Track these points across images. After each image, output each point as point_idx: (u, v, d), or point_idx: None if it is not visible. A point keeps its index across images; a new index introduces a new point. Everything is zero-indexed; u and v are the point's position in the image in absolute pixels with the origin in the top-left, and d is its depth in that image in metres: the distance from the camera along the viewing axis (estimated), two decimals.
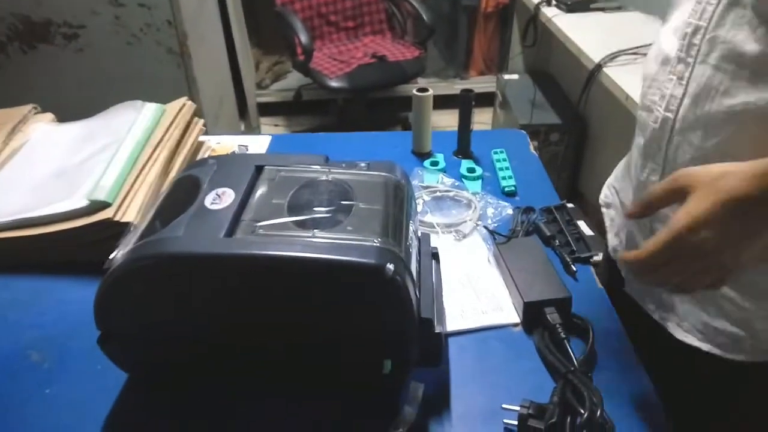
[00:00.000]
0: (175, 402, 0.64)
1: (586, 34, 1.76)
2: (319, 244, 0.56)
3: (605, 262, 0.89)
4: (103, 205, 0.82)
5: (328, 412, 0.62)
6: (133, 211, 0.84)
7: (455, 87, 3.17)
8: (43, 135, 1.05)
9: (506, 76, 2.54)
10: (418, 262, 0.67)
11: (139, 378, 0.66)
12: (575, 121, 2.18)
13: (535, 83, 2.42)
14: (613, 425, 0.58)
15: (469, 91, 1.06)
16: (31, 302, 0.78)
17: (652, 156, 0.69)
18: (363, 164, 0.70)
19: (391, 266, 0.55)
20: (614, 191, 0.86)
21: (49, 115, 1.12)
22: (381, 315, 0.57)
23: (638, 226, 0.76)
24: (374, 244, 0.57)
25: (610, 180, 0.89)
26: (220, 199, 0.63)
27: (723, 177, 0.51)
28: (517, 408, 0.60)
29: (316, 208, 0.62)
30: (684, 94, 0.63)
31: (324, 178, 0.67)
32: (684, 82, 0.63)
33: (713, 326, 0.68)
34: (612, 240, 0.86)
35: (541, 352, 0.69)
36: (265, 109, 3.13)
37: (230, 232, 0.58)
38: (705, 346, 0.69)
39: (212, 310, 0.58)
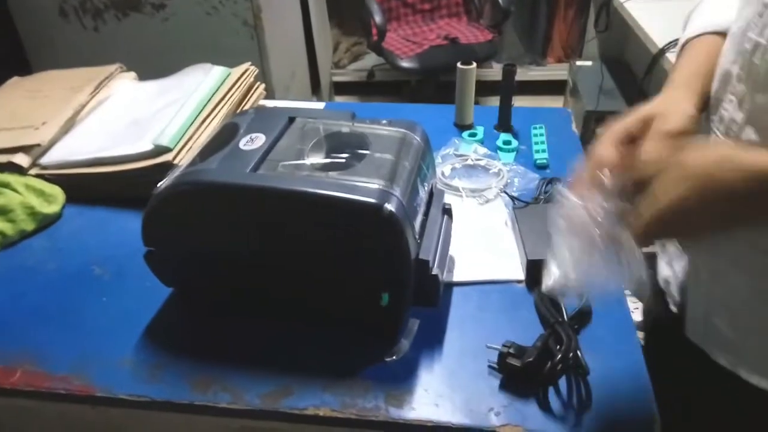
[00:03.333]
0: (205, 316, 0.74)
1: (656, 19, 1.72)
2: (328, 182, 0.64)
3: (652, 293, 0.73)
4: (165, 150, 0.94)
5: (333, 338, 0.70)
6: (189, 157, 0.94)
7: (530, 73, 3.15)
8: (125, 90, 1.19)
9: (578, 63, 2.50)
10: (426, 212, 0.73)
11: (178, 293, 0.76)
12: None
13: (607, 70, 2.37)
14: (586, 369, 0.62)
15: (511, 65, 1.09)
16: (99, 228, 0.91)
17: None
18: (385, 121, 0.77)
19: (389, 206, 0.61)
20: None
21: (132, 74, 1.26)
22: (378, 251, 0.63)
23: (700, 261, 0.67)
24: (378, 186, 0.63)
25: None
26: (253, 142, 0.71)
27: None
28: (500, 347, 0.65)
29: (333, 154, 0.70)
30: (745, 121, 0.55)
31: (346, 130, 0.75)
32: (746, 107, 0.55)
33: None
34: (664, 269, 0.77)
35: (537, 305, 0.73)
36: (341, 88, 3.24)
37: (255, 168, 0.67)
38: None
39: (235, 233, 0.67)
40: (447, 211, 0.78)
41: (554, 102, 2.89)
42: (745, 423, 0.68)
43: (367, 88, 3.29)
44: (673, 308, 0.75)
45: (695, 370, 0.70)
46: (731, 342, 0.65)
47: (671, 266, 0.76)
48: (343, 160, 0.69)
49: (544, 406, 0.61)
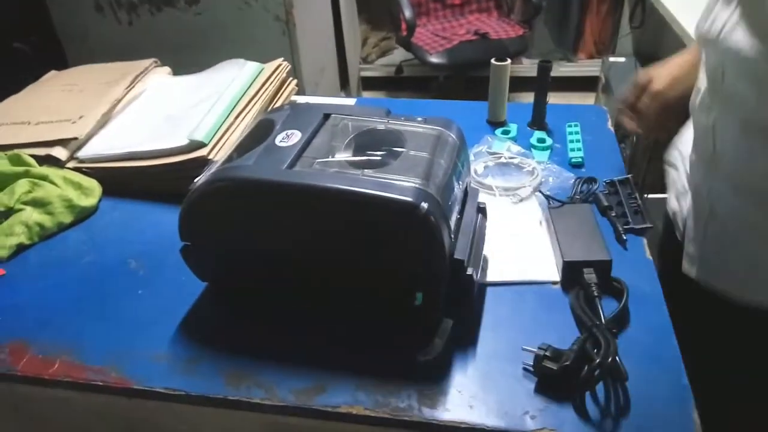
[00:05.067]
0: (239, 312, 0.74)
1: (694, 15, 1.67)
2: (364, 180, 0.63)
3: (664, 224, 0.93)
4: (200, 145, 0.94)
5: (366, 336, 0.70)
6: (224, 152, 0.95)
7: (560, 69, 3.10)
8: (160, 85, 1.20)
9: (611, 59, 2.46)
10: (461, 211, 0.72)
11: (213, 287, 0.77)
12: None
13: (641, 66, 2.32)
14: (626, 375, 0.61)
15: (547, 62, 1.08)
16: (134, 222, 0.92)
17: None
18: (420, 119, 0.76)
19: (425, 205, 0.61)
20: (679, 153, 0.86)
21: (167, 69, 1.28)
22: (413, 249, 0.63)
23: (697, 195, 0.79)
24: (413, 185, 0.63)
25: (676, 139, 0.89)
26: (289, 138, 0.71)
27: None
28: (536, 349, 0.64)
29: (369, 151, 0.70)
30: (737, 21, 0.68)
31: (381, 127, 0.74)
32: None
33: None
34: (672, 202, 0.89)
35: (573, 307, 0.72)
36: (369, 83, 3.24)
37: (292, 165, 0.66)
38: None
39: (271, 229, 0.67)
40: (481, 210, 0.77)
41: (584, 99, 2.84)
42: (733, 342, 0.80)
43: (394, 84, 3.28)
44: (678, 236, 0.89)
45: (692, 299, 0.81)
46: (723, 269, 0.78)
47: (678, 201, 0.88)
48: (379, 158, 0.68)
49: (581, 411, 0.60)
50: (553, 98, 1.11)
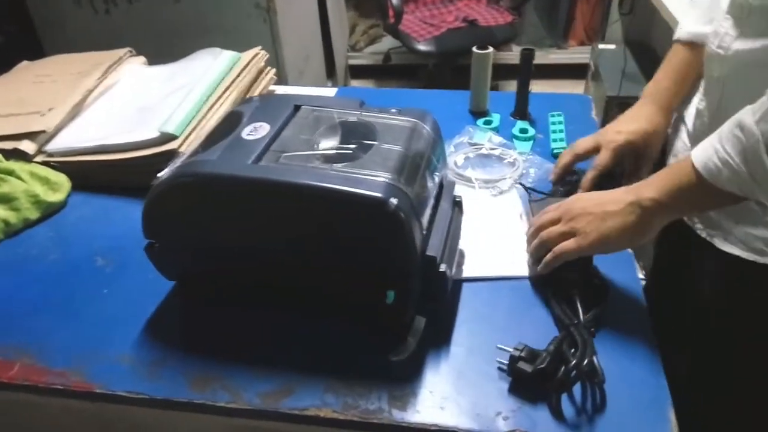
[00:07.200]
0: (206, 312, 0.72)
1: (683, 2, 1.65)
2: (331, 175, 0.61)
3: None
4: (171, 138, 0.92)
5: (337, 336, 0.67)
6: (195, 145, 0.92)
7: (550, 57, 3.07)
8: (133, 75, 1.17)
9: (601, 46, 2.43)
10: (435, 205, 0.70)
11: (180, 286, 0.75)
12: None
13: (630, 54, 2.30)
14: (602, 377, 0.59)
15: (529, 50, 1.05)
16: (104, 217, 0.90)
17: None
18: (394, 110, 0.74)
19: (394, 200, 0.58)
20: (681, 119, 0.86)
21: (141, 59, 1.24)
22: (383, 247, 0.61)
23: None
24: (384, 179, 0.60)
25: (681, 109, 0.88)
26: (256, 131, 0.69)
27: None
28: (511, 349, 0.62)
29: (339, 144, 0.67)
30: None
31: (353, 119, 0.72)
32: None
33: (753, 234, 0.71)
34: (671, 162, 0.87)
35: (550, 304, 0.70)
36: (358, 72, 3.19)
37: (257, 160, 0.64)
38: (745, 255, 0.72)
39: (237, 226, 0.65)
40: (457, 204, 0.75)
41: (575, 86, 2.82)
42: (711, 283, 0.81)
43: (383, 72, 3.24)
44: None
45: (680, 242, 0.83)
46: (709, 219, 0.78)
47: (677, 158, 0.85)
48: (350, 151, 0.66)
49: (556, 412, 0.58)
50: (544, 86, 1.10)
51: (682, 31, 0.87)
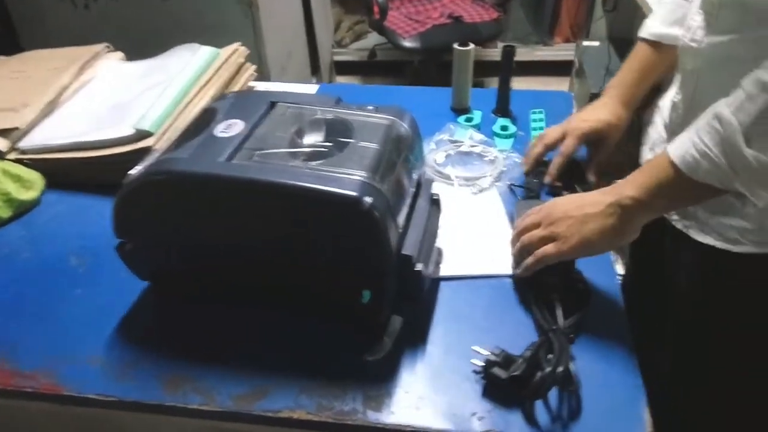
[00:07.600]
0: (180, 313, 0.71)
1: None
2: (305, 173, 0.60)
3: None
4: (147, 134, 0.90)
5: (312, 336, 0.67)
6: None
7: (536, 54, 3.07)
8: (110, 71, 1.15)
9: (585, 43, 2.43)
10: (412, 204, 0.69)
11: (154, 286, 0.73)
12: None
13: (614, 51, 2.30)
14: (577, 385, 0.59)
15: (510, 46, 1.05)
16: (78, 215, 0.88)
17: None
18: (371, 107, 0.73)
19: (368, 199, 0.57)
20: (658, 109, 0.86)
21: (119, 54, 1.22)
22: (357, 246, 0.60)
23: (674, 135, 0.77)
24: (358, 178, 0.60)
25: (656, 99, 0.88)
26: (230, 128, 0.68)
27: None
28: (487, 353, 0.61)
29: (314, 142, 0.66)
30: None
31: (329, 116, 0.71)
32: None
33: (728, 224, 0.72)
34: (646, 155, 0.88)
35: (530, 307, 0.69)
36: (343, 68, 3.17)
37: (230, 158, 0.63)
38: (719, 244, 0.73)
39: (209, 225, 0.63)
40: (435, 202, 0.74)
41: (561, 84, 2.82)
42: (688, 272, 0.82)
43: (368, 69, 3.22)
44: None
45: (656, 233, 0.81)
46: (684, 210, 0.78)
47: (653, 150, 0.85)
48: (325, 149, 0.65)
49: (530, 414, 0.58)
50: (530, 83, 1.10)
51: (646, 31, 0.89)
